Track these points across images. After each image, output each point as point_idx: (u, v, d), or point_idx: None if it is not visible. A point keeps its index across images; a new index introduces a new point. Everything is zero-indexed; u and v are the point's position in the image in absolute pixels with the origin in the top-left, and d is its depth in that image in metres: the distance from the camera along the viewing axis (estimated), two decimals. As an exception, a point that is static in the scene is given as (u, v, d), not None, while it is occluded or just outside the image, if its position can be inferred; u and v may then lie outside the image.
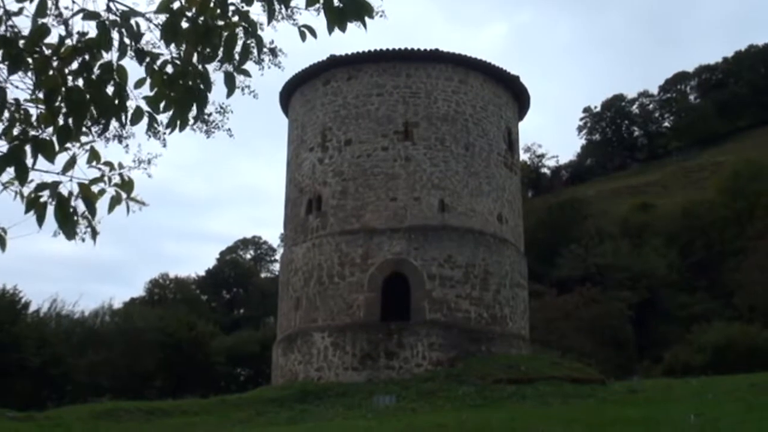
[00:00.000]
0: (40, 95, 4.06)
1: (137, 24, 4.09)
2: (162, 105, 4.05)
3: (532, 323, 28.89)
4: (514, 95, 28.54)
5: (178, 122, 3.91)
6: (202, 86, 3.86)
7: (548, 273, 54.79)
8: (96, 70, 4.03)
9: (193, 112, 3.95)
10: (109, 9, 4.10)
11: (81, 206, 3.98)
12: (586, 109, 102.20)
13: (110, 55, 4.06)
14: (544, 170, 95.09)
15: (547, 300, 47.43)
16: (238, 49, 4.03)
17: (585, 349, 41.47)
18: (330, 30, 4.00)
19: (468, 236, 24.82)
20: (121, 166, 4.17)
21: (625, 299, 48.25)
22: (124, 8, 4.10)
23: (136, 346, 42.66)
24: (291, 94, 28.68)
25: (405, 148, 25.24)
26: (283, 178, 29.39)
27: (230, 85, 4.00)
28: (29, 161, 3.93)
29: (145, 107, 4.12)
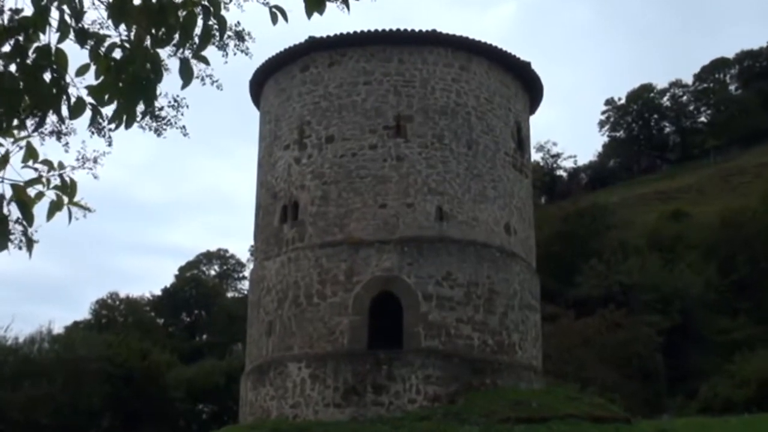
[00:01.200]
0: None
1: (80, 0, 4.08)
2: (107, 96, 4.04)
3: (545, 351, 28.92)
4: (525, 85, 28.64)
5: (125, 117, 3.90)
6: (151, 75, 3.85)
7: (564, 293, 54.95)
8: (31, 54, 4.02)
9: (142, 105, 3.94)
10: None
11: (15, 212, 3.97)
12: (609, 102, 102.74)
13: (48, 37, 4.06)
14: (560, 173, 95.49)
15: (563, 324, 47.55)
16: (197, 31, 4.03)
17: (607, 381, 41.55)
18: (309, 14, 4.02)
19: (470, 249, 24.86)
20: (61, 165, 4.16)
21: (654, 324, 48.42)
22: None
23: (80, 378, 42.45)
24: (263, 82, 28.68)
25: (397, 145, 25.29)
26: (253, 181, 29.37)
27: (187, 75, 4.00)
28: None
29: (87, 98, 4.11)
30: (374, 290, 24.14)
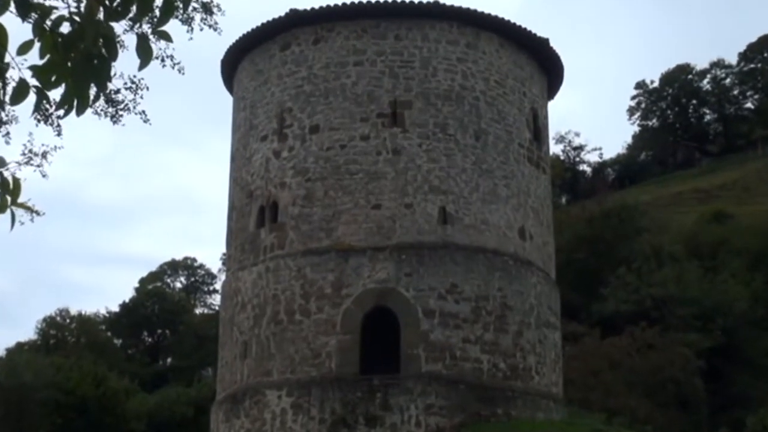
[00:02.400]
0: None
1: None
2: (54, 77, 4.02)
3: (566, 376, 28.95)
4: (542, 65, 28.68)
5: (75, 101, 3.89)
6: (105, 53, 3.83)
7: (588, 308, 54.92)
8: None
9: (95, 88, 3.92)
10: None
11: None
12: (640, 85, 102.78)
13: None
14: (583, 167, 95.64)
15: (587, 345, 47.51)
16: (157, 2, 4.02)
17: (639, 411, 41.54)
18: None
19: (479, 257, 24.89)
20: (3, 162, 4.15)
21: (693, 344, 48.38)
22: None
23: (24, 409, 42.36)
24: (237, 63, 28.68)
25: (393, 136, 25.30)
26: (225, 178, 29.38)
27: (145, 53, 3.98)
28: None
29: (31, 80, 4.10)
30: (367, 305, 24.16)
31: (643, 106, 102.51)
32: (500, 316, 24.76)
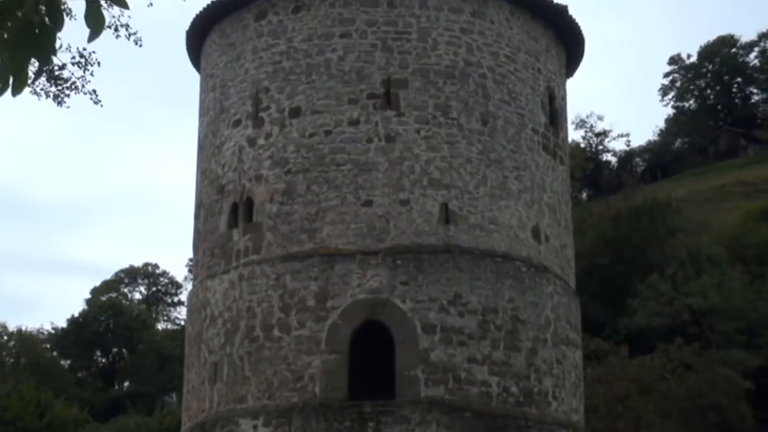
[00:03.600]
0: None
1: None
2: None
3: (589, 402, 29.01)
4: (560, 37, 28.74)
5: (11, 78, 3.88)
6: (48, 21, 3.82)
7: (614, 322, 55.01)
8: None
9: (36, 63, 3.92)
10: None
11: None
12: (675, 60, 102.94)
13: None
14: (608, 157, 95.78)
15: (613, 365, 47.59)
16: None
17: (674, 442, 41.63)
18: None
19: (486, 263, 24.91)
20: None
21: (738, 363, 48.46)
22: None
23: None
24: (205, 34, 28.68)
25: (386, 121, 25.31)
26: (192, 171, 29.35)
27: (96, 21, 3.97)
28: None
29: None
30: (356, 319, 24.14)
31: (678, 84, 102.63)
32: (511, 332, 24.76)
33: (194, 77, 30.15)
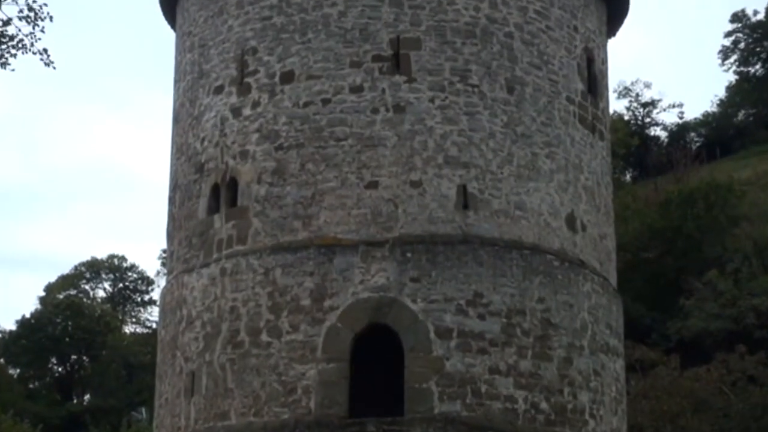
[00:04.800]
0: None
1: None
2: None
3: (633, 420, 29.00)
4: (600, -9, 28.71)
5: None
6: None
7: (663, 326, 54.99)
8: None
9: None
10: None
11: None
12: (738, 17, 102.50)
13: None
14: (656, 132, 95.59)
15: (661, 377, 47.59)
16: None
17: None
18: None
19: (512, 256, 24.89)
20: None
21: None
22: None
23: None
24: (181, -14, 28.72)
25: (394, 88, 25.29)
26: (165, 147, 29.33)
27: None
28: None
29: None
30: (358, 322, 24.14)
31: (741, 46, 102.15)
32: (541, 338, 24.75)
33: (168, 36, 30.15)
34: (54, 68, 16.22)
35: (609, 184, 28.65)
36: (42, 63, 14.09)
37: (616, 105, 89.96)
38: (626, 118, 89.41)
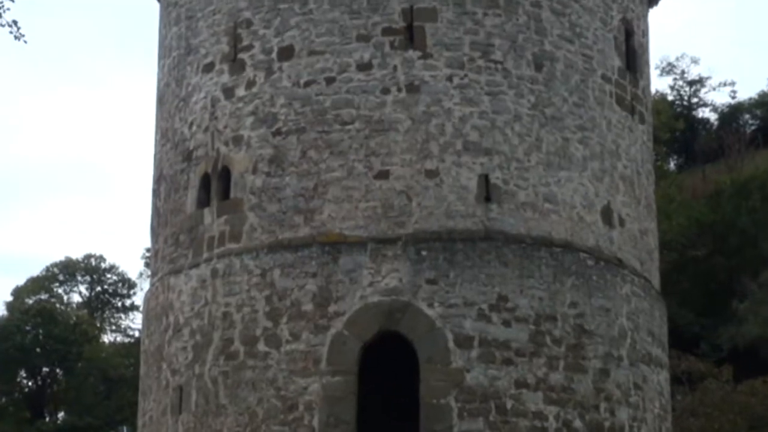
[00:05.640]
0: None
1: None
2: None
3: (678, 439, 28.97)
4: (640, -47, 28.72)
5: None
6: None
7: (714, 334, 54.93)
8: None
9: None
10: None
11: None
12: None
13: None
14: (704, 113, 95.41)
15: (712, 390, 47.56)
16: None
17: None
18: None
19: (540, 255, 24.91)
20: None
21: None
22: None
23: None
24: (165, -49, 28.79)
25: (407, 64, 25.32)
26: (149, 132, 29.42)
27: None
28: None
29: None
30: (368, 330, 24.17)
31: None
32: (574, 347, 24.77)
33: (152, 6, 30.22)
34: (25, 42, 16.25)
35: (650, 172, 28.66)
36: (11, 36, 14.12)
37: (659, 83, 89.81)
38: (670, 98, 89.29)
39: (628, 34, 27.81)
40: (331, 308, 24.23)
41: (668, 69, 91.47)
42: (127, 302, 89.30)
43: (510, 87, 25.48)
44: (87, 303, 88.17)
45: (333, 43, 25.55)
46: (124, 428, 66.45)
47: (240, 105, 26.05)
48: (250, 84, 26.01)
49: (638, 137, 27.84)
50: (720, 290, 56.79)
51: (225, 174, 25.99)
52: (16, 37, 12.87)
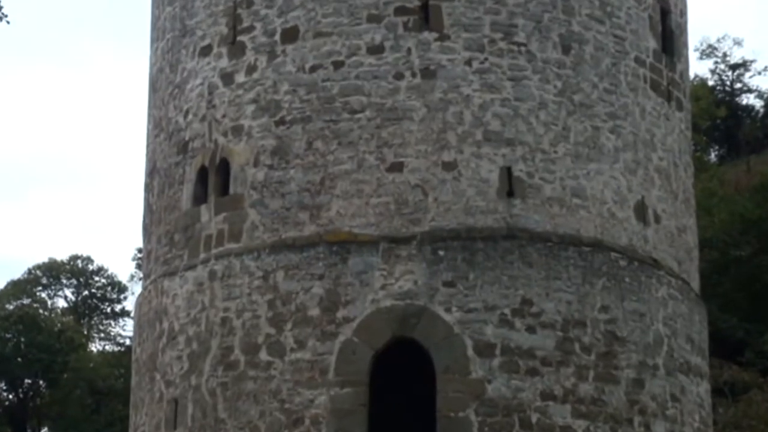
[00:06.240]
0: None
1: None
2: None
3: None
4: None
5: None
6: None
7: (759, 340, 54.92)
8: None
9: None
10: None
11: None
12: None
13: None
14: (749, 100, 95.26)
15: (757, 402, 47.54)
16: None
17: None
18: None
19: (569, 255, 24.96)
20: None
21: None
22: None
23: None
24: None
25: (422, 47, 25.38)
26: (140, 121, 29.51)
27: None
28: None
29: None
30: (380, 337, 24.22)
31: None
32: (605, 355, 24.80)
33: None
34: (8, 22, 16.40)
35: (689, 164, 28.69)
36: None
37: (699, 67, 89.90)
38: (711, 83, 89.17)
39: (665, 13, 27.84)
40: (340, 313, 24.27)
41: (709, 51, 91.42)
42: (117, 307, 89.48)
43: (534, 71, 25.53)
44: (73, 308, 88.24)
45: (341, 24, 25.60)
46: (114, 446, 66.51)
47: (240, 92, 26.12)
48: (251, 69, 26.08)
49: (675, 126, 27.87)
50: (766, 292, 56.78)
51: (224, 167, 26.05)
52: (-2, 19, 12.97)
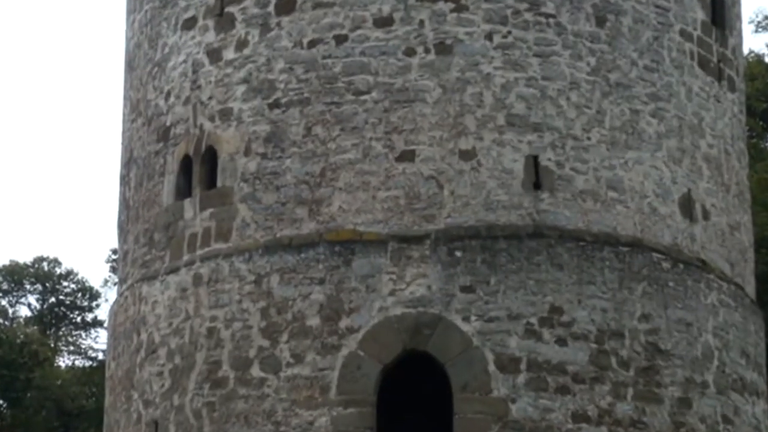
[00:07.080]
0: None
1: None
2: None
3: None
4: None
5: None
6: None
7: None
8: None
9: None
10: None
11: None
12: None
13: None
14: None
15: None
16: None
17: None
18: None
19: (604, 256, 24.97)
20: None
21: None
22: None
23: None
24: None
25: (437, 19, 25.38)
26: (115, 104, 29.55)
27: None
28: None
29: None
30: (388, 349, 24.25)
31: None
32: (647, 370, 24.80)
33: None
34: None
35: (743, 152, 28.70)
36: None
37: (754, 42, 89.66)
38: (767, 60, 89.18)
39: (713, -17, 27.91)
40: (343, 323, 24.28)
41: (765, 24, 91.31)
42: (89, 317, 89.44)
43: (565, 47, 25.54)
44: (38, 318, 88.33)
45: (343, -5, 25.66)
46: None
47: (229, 70, 26.15)
48: (242, 44, 26.11)
49: (727, 108, 27.87)
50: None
51: (210, 156, 26.10)
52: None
